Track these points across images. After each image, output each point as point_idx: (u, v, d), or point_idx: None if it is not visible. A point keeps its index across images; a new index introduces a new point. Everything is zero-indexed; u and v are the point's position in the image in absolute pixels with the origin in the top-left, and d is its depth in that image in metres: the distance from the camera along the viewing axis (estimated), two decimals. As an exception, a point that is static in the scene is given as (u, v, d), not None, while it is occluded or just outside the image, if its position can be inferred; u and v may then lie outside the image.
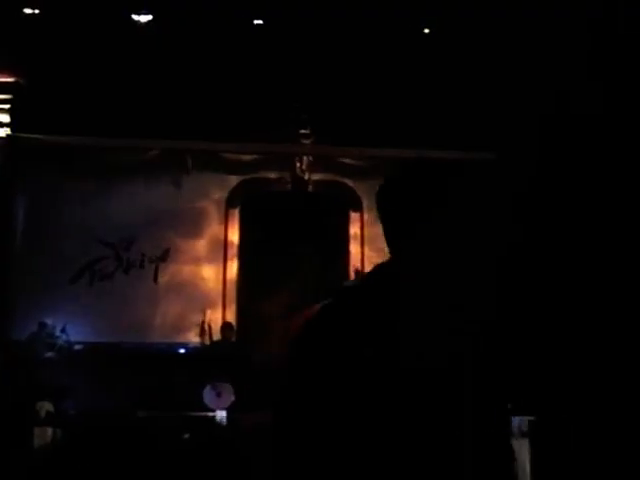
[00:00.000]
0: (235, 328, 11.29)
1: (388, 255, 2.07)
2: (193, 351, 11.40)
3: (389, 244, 1.99)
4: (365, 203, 12.40)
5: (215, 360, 10.58)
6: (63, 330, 10.88)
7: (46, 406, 9.65)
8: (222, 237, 12.29)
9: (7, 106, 11.45)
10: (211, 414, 9.91)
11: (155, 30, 9.64)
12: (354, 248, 12.41)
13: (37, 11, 9.38)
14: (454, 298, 1.78)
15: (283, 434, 1.89)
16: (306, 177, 12.01)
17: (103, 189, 11.84)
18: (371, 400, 1.71)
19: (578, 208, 8.44)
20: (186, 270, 12.10)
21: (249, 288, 12.36)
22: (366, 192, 12.41)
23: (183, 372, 10.98)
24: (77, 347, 10.96)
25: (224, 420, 9.76)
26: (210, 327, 11.14)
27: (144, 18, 9.53)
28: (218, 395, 10.19)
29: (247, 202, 12.46)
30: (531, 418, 7.03)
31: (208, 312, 11.55)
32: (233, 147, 12.13)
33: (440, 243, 1.93)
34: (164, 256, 12.01)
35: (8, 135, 11.49)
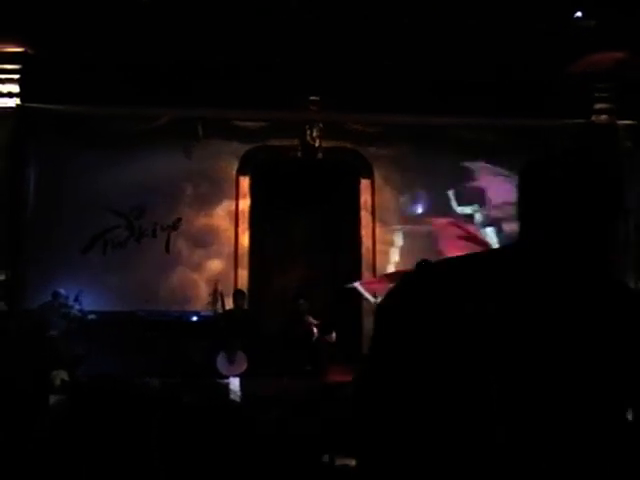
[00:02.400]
0: (247, 295, 11.32)
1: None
2: (206, 319, 11.43)
3: (527, 227, 1.85)
4: (376, 170, 12.38)
5: (227, 328, 10.62)
6: (76, 299, 10.93)
7: (61, 374, 9.73)
8: (233, 205, 12.29)
9: (16, 76, 11.43)
10: (225, 381, 9.98)
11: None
12: (365, 215, 12.40)
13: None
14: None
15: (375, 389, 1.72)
16: (316, 144, 11.95)
17: (114, 158, 11.81)
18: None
19: None
20: (198, 238, 12.13)
21: (260, 255, 12.38)
22: (377, 159, 12.39)
23: (196, 340, 11.04)
24: (90, 316, 11.02)
25: (237, 387, 9.83)
26: (222, 295, 11.16)
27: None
28: (231, 362, 10.27)
29: (258, 170, 12.44)
30: None
31: (220, 280, 11.57)
32: (243, 114, 12.09)
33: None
34: (176, 225, 12.04)
35: (17, 105, 11.48)
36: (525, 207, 1.78)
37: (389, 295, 1.77)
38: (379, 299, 8.92)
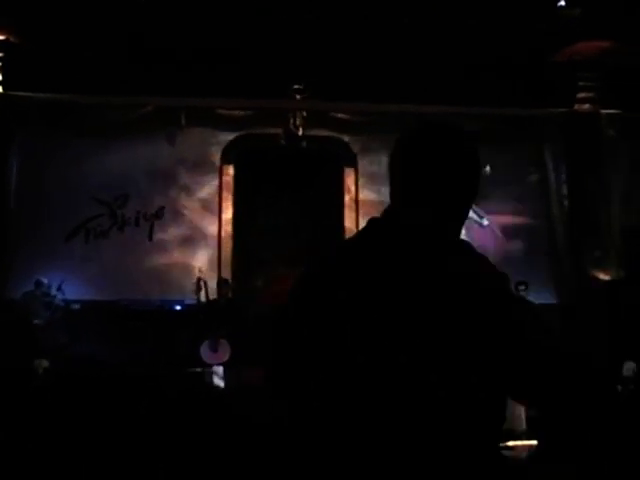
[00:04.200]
0: (231, 284, 11.31)
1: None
2: (189, 308, 11.42)
3: (397, 200, 1.93)
4: (359, 159, 12.37)
5: (211, 316, 10.62)
6: (59, 288, 10.89)
7: (43, 364, 9.72)
8: (217, 194, 12.27)
9: (-2, 64, 11.36)
10: (208, 370, 10.00)
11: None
12: (348, 203, 12.40)
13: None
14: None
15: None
16: (300, 133, 11.92)
17: (97, 147, 11.76)
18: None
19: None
20: (181, 227, 12.10)
21: (244, 244, 12.37)
22: (360, 147, 12.38)
23: (180, 329, 11.03)
24: (74, 306, 10.99)
25: (220, 375, 9.85)
26: (206, 284, 11.14)
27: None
28: (214, 351, 10.27)
29: (241, 158, 12.42)
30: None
31: (204, 269, 11.55)
32: (227, 103, 12.06)
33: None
34: (159, 213, 12.00)
35: (0, 93, 11.41)
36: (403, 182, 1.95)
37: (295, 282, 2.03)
38: None
